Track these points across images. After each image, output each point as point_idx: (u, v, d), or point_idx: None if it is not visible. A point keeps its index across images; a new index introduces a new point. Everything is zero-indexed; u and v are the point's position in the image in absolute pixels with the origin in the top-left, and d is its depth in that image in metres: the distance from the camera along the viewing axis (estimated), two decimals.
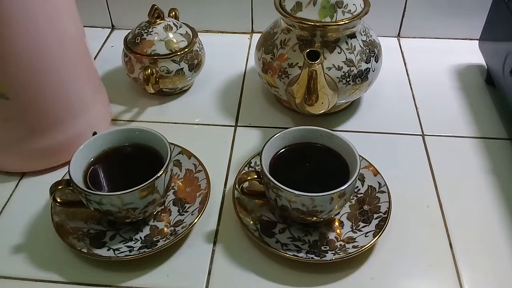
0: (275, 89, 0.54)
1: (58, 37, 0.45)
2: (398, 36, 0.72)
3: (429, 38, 0.71)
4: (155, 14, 0.56)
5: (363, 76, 0.52)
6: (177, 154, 0.50)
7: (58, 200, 0.43)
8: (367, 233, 0.43)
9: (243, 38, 0.72)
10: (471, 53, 0.66)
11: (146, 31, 0.56)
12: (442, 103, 0.60)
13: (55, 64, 0.46)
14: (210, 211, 0.46)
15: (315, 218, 0.42)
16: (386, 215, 0.44)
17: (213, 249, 0.44)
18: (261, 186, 0.43)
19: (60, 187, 0.42)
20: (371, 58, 0.52)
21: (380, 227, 0.43)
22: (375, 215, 0.44)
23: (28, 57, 0.43)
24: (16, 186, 0.49)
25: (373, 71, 0.53)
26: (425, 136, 0.55)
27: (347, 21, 0.49)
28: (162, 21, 0.57)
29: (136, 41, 0.56)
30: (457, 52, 0.68)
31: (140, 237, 0.43)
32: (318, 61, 0.44)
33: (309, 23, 0.49)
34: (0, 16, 0.39)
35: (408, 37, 0.72)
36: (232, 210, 0.45)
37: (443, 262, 0.43)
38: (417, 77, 0.64)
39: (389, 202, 0.45)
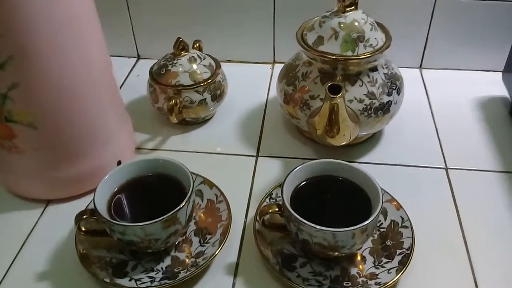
0: (297, 120, 0.55)
1: (86, 68, 0.46)
2: (420, 67, 0.72)
3: (452, 69, 0.71)
4: (180, 47, 0.58)
5: (385, 109, 0.52)
6: (199, 184, 0.50)
7: (83, 229, 0.44)
8: (389, 269, 0.42)
9: (265, 68, 0.73)
10: (494, 85, 0.66)
11: (171, 62, 0.58)
12: (465, 136, 0.59)
13: (82, 94, 0.47)
14: (231, 242, 0.46)
15: (336, 253, 0.41)
16: (409, 251, 0.43)
17: (233, 281, 0.43)
18: (282, 219, 0.43)
19: (85, 216, 0.42)
20: (393, 91, 0.52)
21: (403, 264, 0.42)
22: (398, 251, 0.44)
23: (57, 87, 0.44)
24: (41, 213, 0.50)
25: (395, 103, 0.53)
26: (448, 170, 0.55)
27: (368, 55, 0.49)
28: (186, 53, 0.58)
29: (161, 72, 0.58)
30: (480, 84, 0.68)
31: (162, 268, 0.44)
32: (339, 94, 0.45)
33: (331, 57, 0.50)
34: (32, 48, 0.41)
35: (431, 68, 0.72)
36: (253, 242, 0.45)
37: None
38: (440, 109, 0.64)
39: (412, 237, 0.44)
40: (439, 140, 0.59)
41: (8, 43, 0.40)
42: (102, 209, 0.42)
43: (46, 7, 0.40)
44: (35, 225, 0.49)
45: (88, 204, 0.48)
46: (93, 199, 0.42)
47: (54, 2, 0.41)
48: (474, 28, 0.67)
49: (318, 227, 0.39)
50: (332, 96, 0.44)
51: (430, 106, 0.65)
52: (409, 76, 0.62)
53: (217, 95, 0.59)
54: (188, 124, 0.62)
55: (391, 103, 0.52)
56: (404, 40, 0.68)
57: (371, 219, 0.39)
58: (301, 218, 0.40)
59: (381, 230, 0.46)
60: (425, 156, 0.56)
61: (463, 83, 0.68)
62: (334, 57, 0.49)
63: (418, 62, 0.72)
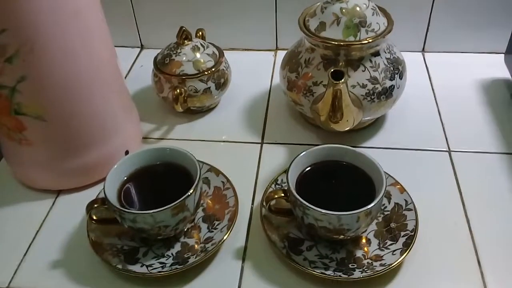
0: (300, 107, 0.55)
1: (92, 61, 0.47)
2: (423, 50, 0.72)
3: (454, 52, 0.71)
4: (183, 36, 0.58)
5: (387, 93, 0.52)
6: (206, 172, 0.51)
7: (94, 218, 0.45)
8: (394, 251, 0.43)
9: (268, 55, 0.74)
10: (496, 67, 0.66)
11: (174, 52, 0.58)
12: (468, 118, 0.60)
13: (89, 87, 0.47)
14: (238, 228, 0.47)
15: (342, 236, 0.42)
16: (413, 233, 0.44)
17: (242, 265, 0.45)
18: (288, 204, 0.44)
19: (96, 205, 0.43)
20: (396, 75, 0.53)
21: (407, 245, 0.43)
22: (402, 233, 0.45)
23: (64, 80, 0.45)
24: (53, 204, 0.52)
25: (398, 88, 0.53)
26: (451, 152, 0.55)
27: (370, 40, 0.50)
28: (190, 42, 0.59)
29: (165, 62, 0.58)
30: (482, 66, 0.68)
31: (172, 254, 0.45)
32: (342, 80, 0.45)
33: (333, 42, 0.50)
34: (39, 42, 0.42)
35: (433, 52, 0.72)
36: (260, 227, 0.46)
37: (471, 280, 0.43)
38: (443, 92, 0.64)
39: (416, 220, 0.45)
40: (442, 123, 0.59)
41: (15, 37, 0.41)
42: (112, 198, 0.43)
43: (52, 1, 0.41)
44: (47, 215, 0.50)
45: (99, 193, 0.49)
46: (103, 188, 0.43)
47: None
48: (476, 10, 0.67)
49: (323, 211, 0.40)
50: (335, 82, 0.45)
51: (432, 90, 0.65)
52: (412, 60, 0.62)
53: (221, 84, 0.60)
54: (193, 113, 0.62)
55: (394, 87, 0.53)
56: (406, 23, 0.68)
57: (375, 202, 0.40)
58: (306, 203, 0.40)
59: (385, 213, 0.47)
60: (428, 139, 0.57)
61: (466, 66, 0.68)
62: (336, 43, 0.50)
63: (420, 46, 0.72)
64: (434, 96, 0.64)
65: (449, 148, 0.56)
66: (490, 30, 0.68)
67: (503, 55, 0.63)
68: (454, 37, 0.70)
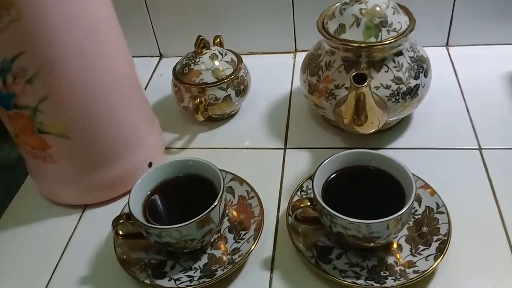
0: (323, 110, 0.54)
1: (111, 76, 0.47)
2: (447, 45, 0.70)
3: (480, 45, 0.69)
4: (201, 45, 0.58)
5: (412, 93, 0.51)
6: (230, 181, 0.51)
7: (120, 233, 0.45)
8: (427, 256, 0.42)
9: (287, 58, 0.73)
10: None
11: (193, 61, 0.58)
12: (497, 114, 0.57)
13: (109, 102, 0.48)
14: (265, 237, 0.47)
15: (372, 244, 0.41)
16: (446, 237, 0.42)
17: (270, 276, 0.44)
18: (315, 212, 0.43)
19: (121, 221, 0.43)
20: (420, 74, 0.51)
21: (441, 250, 0.42)
22: (435, 237, 0.43)
23: (84, 98, 0.45)
24: (79, 219, 0.52)
25: (423, 86, 0.52)
26: (482, 150, 0.53)
27: (392, 40, 0.48)
28: (208, 51, 0.58)
29: (184, 72, 0.58)
30: (509, 58, 0.65)
31: (199, 266, 0.44)
32: (365, 84, 0.44)
33: (354, 44, 0.49)
34: (57, 62, 0.42)
35: (458, 46, 0.69)
36: (287, 236, 0.45)
37: (509, 283, 0.41)
38: (470, 87, 0.62)
39: (449, 223, 0.43)
40: (471, 120, 0.57)
41: (33, 59, 0.41)
42: (137, 213, 0.43)
43: (70, 22, 0.41)
44: (74, 231, 0.51)
45: (124, 208, 0.49)
46: (128, 203, 0.43)
47: (78, 17, 0.42)
48: (499, 0, 0.64)
49: (351, 219, 0.39)
50: (357, 85, 0.44)
51: (459, 85, 0.63)
52: (436, 55, 0.60)
53: (241, 90, 0.59)
54: (214, 121, 0.62)
55: (419, 86, 0.51)
56: (429, 18, 0.66)
57: (405, 208, 0.39)
58: (333, 212, 0.39)
59: (416, 217, 0.45)
60: (457, 137, 0.55)
61: (492, 59, 0.66)
62: (357, 45, 0.48)
63: (444, 40, 0.70)
64: (461, 92, 0.62)
65: (479, 145, 0.54)
66: None
67: None
68: (479, 29, 0.67)
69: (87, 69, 0.44)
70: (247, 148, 0.58)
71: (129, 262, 0.45)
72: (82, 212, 0.52)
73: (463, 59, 0.67)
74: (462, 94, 0.61)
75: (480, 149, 0.53)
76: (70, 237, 0.50)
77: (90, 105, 0.46)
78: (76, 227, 0.51)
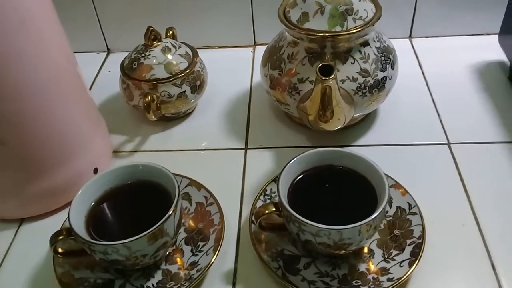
0: (285, 106, 0.51)
1: (48, 73, 0.42)
2: (410, 37, 0.68)
3: (444, 36, 0.67)
4: (152, 36, 0.53)
5: (380, 86, 0.48)
6: (186, 186, 0.46)
7: (60, 251, 0.39)
8: (401, 262, 0.39)
9: (246, 52, 0.69)
10: (490, 49, 0.62)
11: (143, 55, 0.53)
12: (465, 107, 0.56)
13: (47, 102, 0.42)
14: (226, 248, 0.43)
15: (343, 251, 0.38)
16: (420, 240, 0.40)
17: None
18: (280, 218, 0.40)
19: (60, 237, 0.38)
20: (387, 66, 0.48)
21: (416, 255, 0.39)
22: (408, 241, 0.40)
23: (18, 97, 0.40)
24: (15, 234, 0.46)
25: (390, 79, 0.49)
26: (451, 145, 0.51)
27: (359, 29, 0.45)
28: (159, 43, 0.53)
29: (134, 67, 0.53)
30: (475, 49, 0.64)
31: (152, 284, 0.40)
32: (332, 76, 0.40)
33: (318, 34, 0.45)
34: None
35: (421, 37, 0.67)
36: (250, 246, 0.41)
37: (487, 286, 0.39)
38: (435, 80, 0.60)
39: (422, 225, 0.41)
40: (438, 114, 0.55)
41: None
42: (79, 227, 0.38)
43: None
44: (8, 249, 0.45)
45: (64, 221, 0.43)
46: (68, 217, 0.38)
47: (5, 5, 0.36)
48: None
49: (321, 226, 0.35)
50: (323, 78, 0.40)
51: (424, 78, 0.61)
52: (399, 47, 0.57)
53: (197, 86, 0.55)
54: (168, 120, 0.57)
55: (386, 79, 0.48)
56: (390, 8, 0.63)
57: (378, 211, 0.36)
58: (302, 218, 0.36)
59: (388, 218, 0.42)
60: (424, 132, 0.53)
61: (457, 50, 0.64)
62: (321, 34, 0.45)
63: (407, 32, 0.67)
64: (427, 85, 0.59)
65: (448, 140, 0.52)
66: (481, 10, 0.64)
67: (496, 36, 0.59)
68: (443, 20, 0.66)
69: (19, 65, 0.38)
70: (204, 150, 0.54)
71: (71, 283, 0.39)
72: (18, 227, 0.47)
73: (427, 51, 0.65)
74: (428, 87, 0.59)
75: (449, 144, 0.51)
76: (4, 257, 0.44)
77: (24, 105, 0.40)
78: (10, 244, 0.45)
